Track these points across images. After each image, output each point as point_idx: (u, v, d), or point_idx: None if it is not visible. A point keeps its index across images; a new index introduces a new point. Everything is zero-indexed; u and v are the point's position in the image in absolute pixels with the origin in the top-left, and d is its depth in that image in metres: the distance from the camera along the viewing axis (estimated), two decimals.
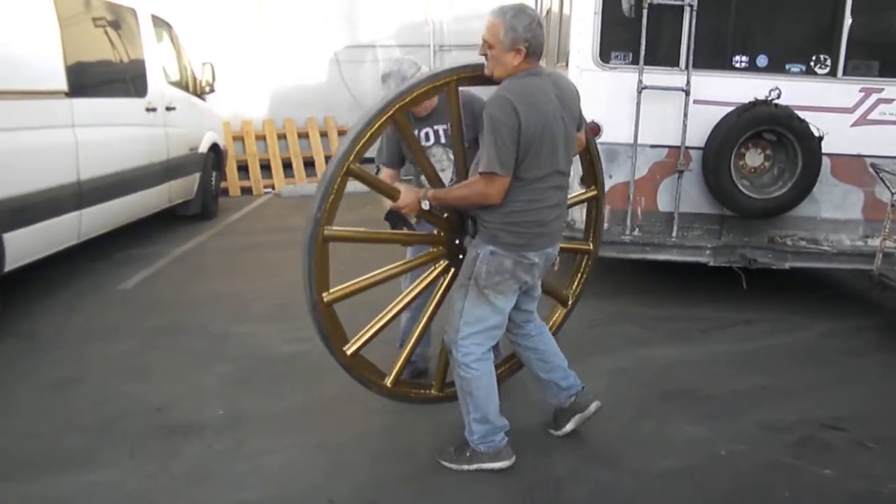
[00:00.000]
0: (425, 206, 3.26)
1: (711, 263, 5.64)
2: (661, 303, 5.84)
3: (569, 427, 3.66)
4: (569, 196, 3.43)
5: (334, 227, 3.19)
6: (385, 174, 4.05)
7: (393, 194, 3.30)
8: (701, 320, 5.50)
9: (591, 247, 3.95)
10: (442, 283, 3.54)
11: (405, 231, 3.49)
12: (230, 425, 3.83)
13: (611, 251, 5.42)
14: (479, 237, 3.24)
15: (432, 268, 3.55)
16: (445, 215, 3.42)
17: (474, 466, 3.38)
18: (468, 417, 3.37)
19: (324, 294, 3.24)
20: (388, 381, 3.54)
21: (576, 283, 4.02)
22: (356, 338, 3.40)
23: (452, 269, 3.50)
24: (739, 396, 4.24)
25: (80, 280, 6.26)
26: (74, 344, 4.91)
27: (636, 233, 5.69)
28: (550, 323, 3.96)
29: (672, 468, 3.48)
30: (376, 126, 3.16)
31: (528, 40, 3.02)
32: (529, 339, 3.57)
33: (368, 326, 3.45)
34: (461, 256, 3.44)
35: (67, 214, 5.76)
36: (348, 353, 3.39)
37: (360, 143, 3.13)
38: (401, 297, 3.58)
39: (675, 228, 5.68)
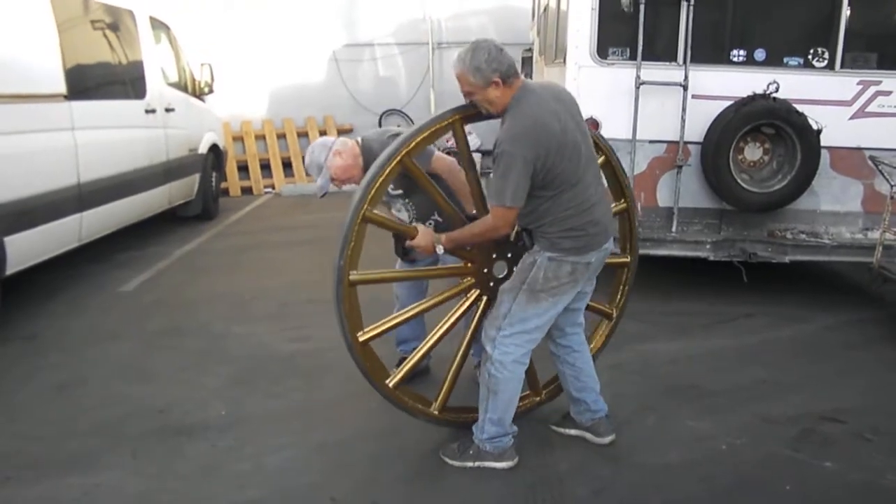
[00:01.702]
0: (440, 250, 3.37)
1: (711, 258, 5.65)
2: (662, 298, 5.84)
3: (571, 433, 3.71)
4: None
5: (359, 272, 3.29)
6: None
7: (410, 233, 3.41)
8: (702, 315, 5.50)
9: (629, 259, 3.98)
10: (477, 311, 3.58)
11: (434, 267, 3.72)
12: (232, 425, 3.85)
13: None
14: (537, 245, 3.26)
15: (465, 297, 3.59)
16: (469, 248, 3.49)
17: (477, 464, 3.40)
18: (484, 415, 3.38)
19: (358, 334, 3.33)
20: (435, 409, 3.59)
21: (619, 296, 4.04)
22: (397, 370, 3.48)
23: (477, 291, 3.55)
24: (741, 390, 4.25)
25: (82, 282, 6.26)
26: (76, 346, 4.92)
27: (636, 229, 5.68)
28: (599, 334, 4.01)
29: (674, 463, 3.50)
30: (386, 172, 3.24)
31: (496, 69, 3.06)
32: (570, 354, 3.58)
33: (409, 359, 3.54)
34: (492, 284, 3.51)
35: (68, 217, 5.77)
36: (391, 385, 3.44)
37: (374, 190, 3.23)
38: (439, 325, 3.59)
39: (674, 223, 5.68)
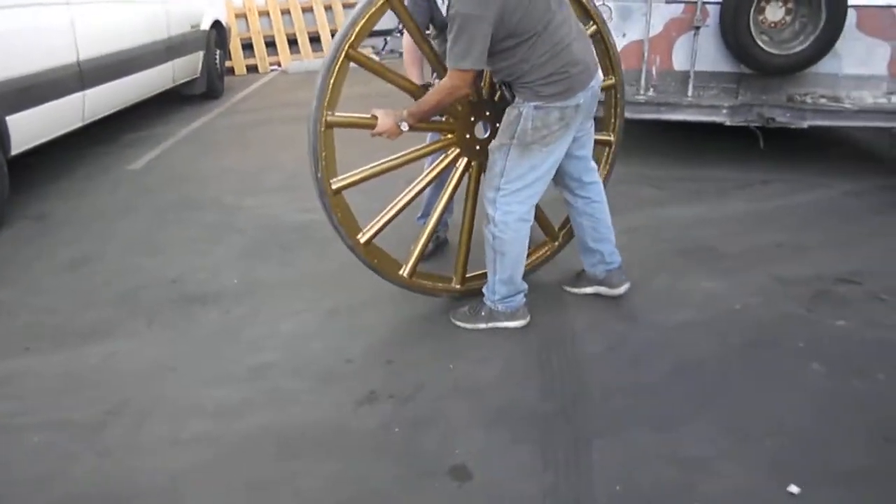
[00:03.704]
0: (404, 127, 3.18)
1: (728, 123, 5.49)
2: (677, 164, 5.74)
3: (587, 290, 3.69)
4: None
5: (337, 114, 3.14)
6: (407, 42, 3.87)
7: (370, 123, 3.21)
8: (717, 181, 5.41)
9: (615, 80, 3.80)
10: (456, 171, 3.50)
11: (413, 150, 3.51)
12: (245, 293, 3.86)
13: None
14: (518, 97, 3.14)
15: (445, 154, 3.51)
16: (445, 118, 3.38)
17: (490, 325, 3.41)
18: (493, 277, 3.36)
19: (332, 181, 3.22)
20: (456, 283, 3.58)
21: (613, 119, 3.89)
22: (370, 225, 3.37)
23: (465, 159, 3.47)
24: (756, 253, 4.21)
25: (89, 163, 6.21)
26: (87, 223, 4.91)
27: (650, 93, 5.53)
28: (602, 163, 3.88)
29: (688, 321, 3.49)
30: (375, 9, 3.06)
31: None
32: (590, 204, 3.51)
33: (382, 214, 3.42)
34: (478, 148, 3.42)
35: (70, 96, 5.63)
36: (361, 241, 3.36)
37: (359, 27, 3.05)
38: (413, 183, 3.53)
39: (690, 88, 5.50)
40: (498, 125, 3.29)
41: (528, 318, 3.43)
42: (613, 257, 3.61)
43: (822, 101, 5.51)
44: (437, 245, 4.19)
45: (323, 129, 3.10)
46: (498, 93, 3.37)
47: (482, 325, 3.42)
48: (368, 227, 3.36)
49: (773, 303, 3.65)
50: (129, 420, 2.85)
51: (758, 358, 3.19)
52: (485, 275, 3.48)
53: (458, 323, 3.46)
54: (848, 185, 5.34)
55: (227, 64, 9.98)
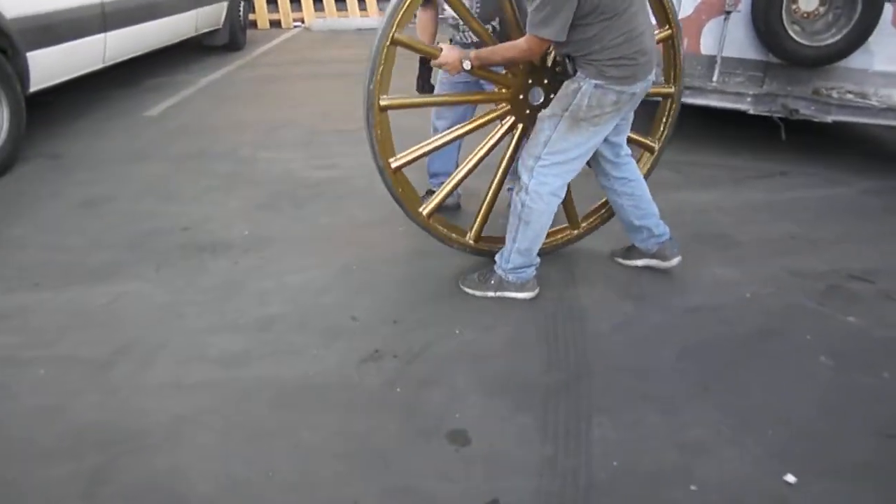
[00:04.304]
0: (466, 66, 3.21)
1: (751, 112, 5.43)
2: (697, 149, 5.69)
3: (638, 263, 3.72)
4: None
5: (389, 97, 3.17)
6: (420, 15, 3.85)
7: (433, 53, 3.25)
8: (736, 169, 5.36)
9: (674, 89, 3.78)
10: (511, 142, 3.48)
11: (466, 93, 3.60)
12: (256, 245, 3.85)
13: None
14: (581, 72, 3.11)
15: (495, 108, 3.48)
16: (504, 72, 3.36)
17: (498, 294, 3.40)
18: (512, 245, 3.34)
19: (390, 160, 3.26)
20: (471, 238, 3.58)
21: (662, 128, 3.87)
22: (403, 154, 3.36)
23: (512, 119, 3.44)
24: (769, 243, 4.18)
25: (107, 106, 6.20)
26: (101, 165, 4.90)
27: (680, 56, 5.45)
28: (639, 168, 3.86)
29: (698, 305, 3.48)
30: None
31: None
32: (627, 184, 3.51)
33: (417, 147, 3.42)
34: (527, 112, 3.40)
35: (92, 36, 5.62)
36: (392, 165, 3.34)
37: (402, 12, 3.07)
38: (456, 126, 3.54)
39: (716, 73, 5.43)
40: (552, 96, 3.27)
41: (536, 291, 3.42)
42: (661, 229, 3.63)
43: (849, 96, 5.43)
44: (448, 208, 4.17)
45: (388, 43, 3.10)
46: (560, 65, 3.33)
47: (491, 294, 3.41)
48: (402, 154, 3.36)
49: (783, 294, 3.63)
50: (134, 361, 2.86)
51: (765, 347, 3.18)
52: (500, 240, 3.46)
53: (467, 289, 3.45)
54: (868, 183, 5.28)
55: (251, 17, 9.93)
